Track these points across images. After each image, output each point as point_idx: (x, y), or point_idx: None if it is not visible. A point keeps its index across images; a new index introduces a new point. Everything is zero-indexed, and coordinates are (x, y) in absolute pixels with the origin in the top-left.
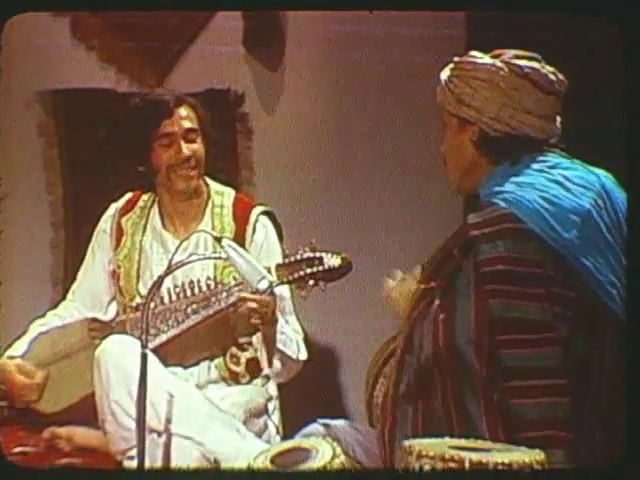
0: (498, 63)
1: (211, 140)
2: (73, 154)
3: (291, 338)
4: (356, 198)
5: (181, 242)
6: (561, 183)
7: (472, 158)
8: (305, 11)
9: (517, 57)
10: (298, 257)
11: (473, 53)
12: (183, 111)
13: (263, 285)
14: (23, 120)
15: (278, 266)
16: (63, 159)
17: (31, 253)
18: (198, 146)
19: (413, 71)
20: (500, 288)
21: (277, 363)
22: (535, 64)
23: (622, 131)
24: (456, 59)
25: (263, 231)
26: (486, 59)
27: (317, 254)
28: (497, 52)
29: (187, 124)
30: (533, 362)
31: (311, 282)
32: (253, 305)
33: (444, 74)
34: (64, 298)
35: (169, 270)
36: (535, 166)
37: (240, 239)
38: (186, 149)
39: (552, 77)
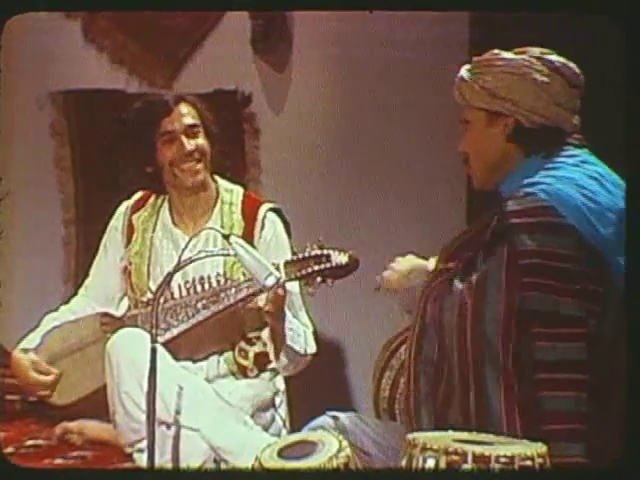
0: (529, 58)
1: (214, 135)
2: (84, 153)
3: (299, 333)
4: (362, 196)
5: (190, 239)
6: (598, 180)
7: (502, 151)
8: (311, 11)
9: (543, 53)
10: (306, 254)
11: (497, 51)
12: (183, 108)
13: (270, 282)
14: (34, 119)
15: (286, 263)
16: (74, 158)
17: (43, 250)
18: (202, 140)
19: (420, 70)
20: (536, 281)
21: (284, 357)
22: (562, 59)
23: (622, 131)
24: (477, 58)
25: (272, 227)
26: (516, 55)
27: (325, 251)
28: (520, 50)
29: (188, 120)
30: (564, 356)
31: (319, 279)
32: (264, 302)
33: (466, 73)
34: (76, 293)
35: (178, 267)
36: (569, 160)
37: (249, 235)
38: (188, 144)
39: (577, 71)
